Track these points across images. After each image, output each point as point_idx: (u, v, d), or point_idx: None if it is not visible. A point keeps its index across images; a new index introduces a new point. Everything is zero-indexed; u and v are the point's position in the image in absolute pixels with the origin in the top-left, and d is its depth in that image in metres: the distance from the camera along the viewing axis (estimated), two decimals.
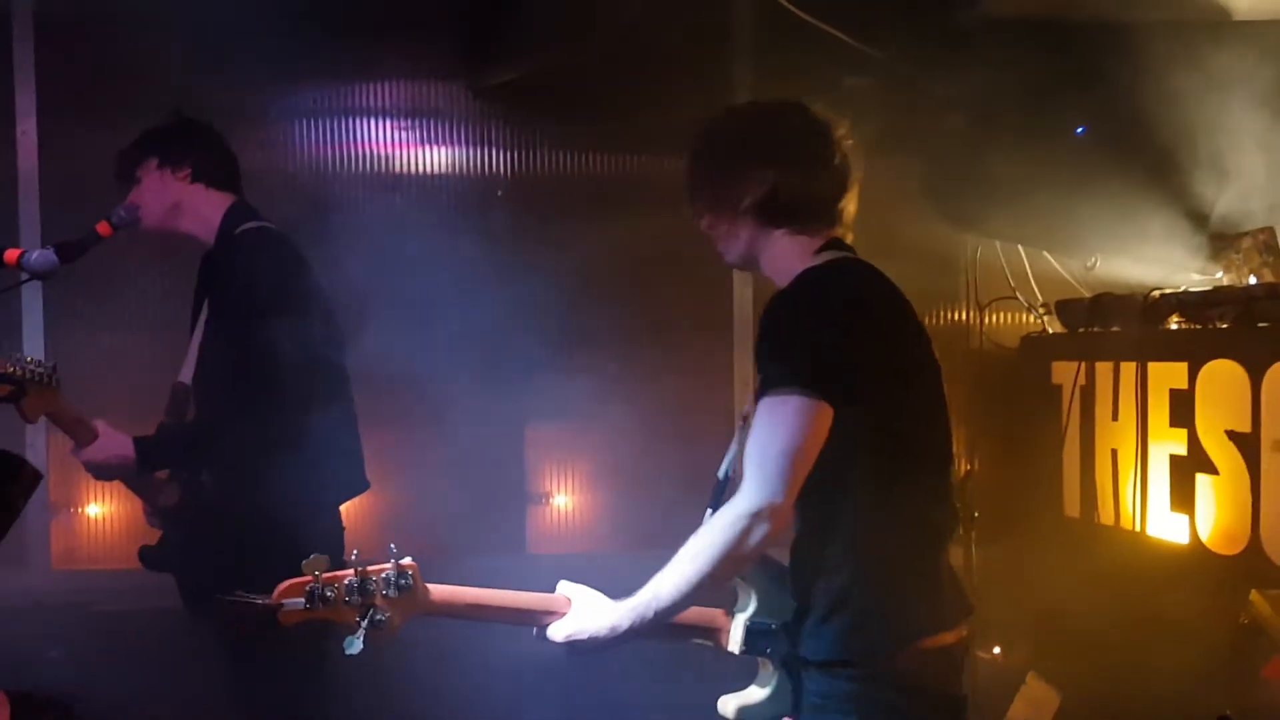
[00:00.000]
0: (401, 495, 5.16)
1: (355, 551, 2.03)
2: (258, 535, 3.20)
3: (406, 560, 2.01)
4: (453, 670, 4.26)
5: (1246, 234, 4.32)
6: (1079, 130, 4.78)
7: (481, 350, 5.15)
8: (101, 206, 3.32)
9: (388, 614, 1.96)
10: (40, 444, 4.90)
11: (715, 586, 2.01)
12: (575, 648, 2.06)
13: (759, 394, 2.01)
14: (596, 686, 3.92)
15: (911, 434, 2.08)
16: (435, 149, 5.36)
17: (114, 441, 3.12)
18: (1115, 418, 4.62)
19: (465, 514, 5.23)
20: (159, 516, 3.38)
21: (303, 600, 1.94)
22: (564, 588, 2.12)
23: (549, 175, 5.42)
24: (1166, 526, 4.33)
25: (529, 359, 5.22)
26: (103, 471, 3.17)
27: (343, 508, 3.50)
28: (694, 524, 5.77)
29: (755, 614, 2.11)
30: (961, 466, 5.47)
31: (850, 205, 2.29)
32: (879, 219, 5.06)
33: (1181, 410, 4.24)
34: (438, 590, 2.05)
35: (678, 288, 5.41)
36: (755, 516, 1.92)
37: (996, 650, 4.54)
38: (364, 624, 1.95)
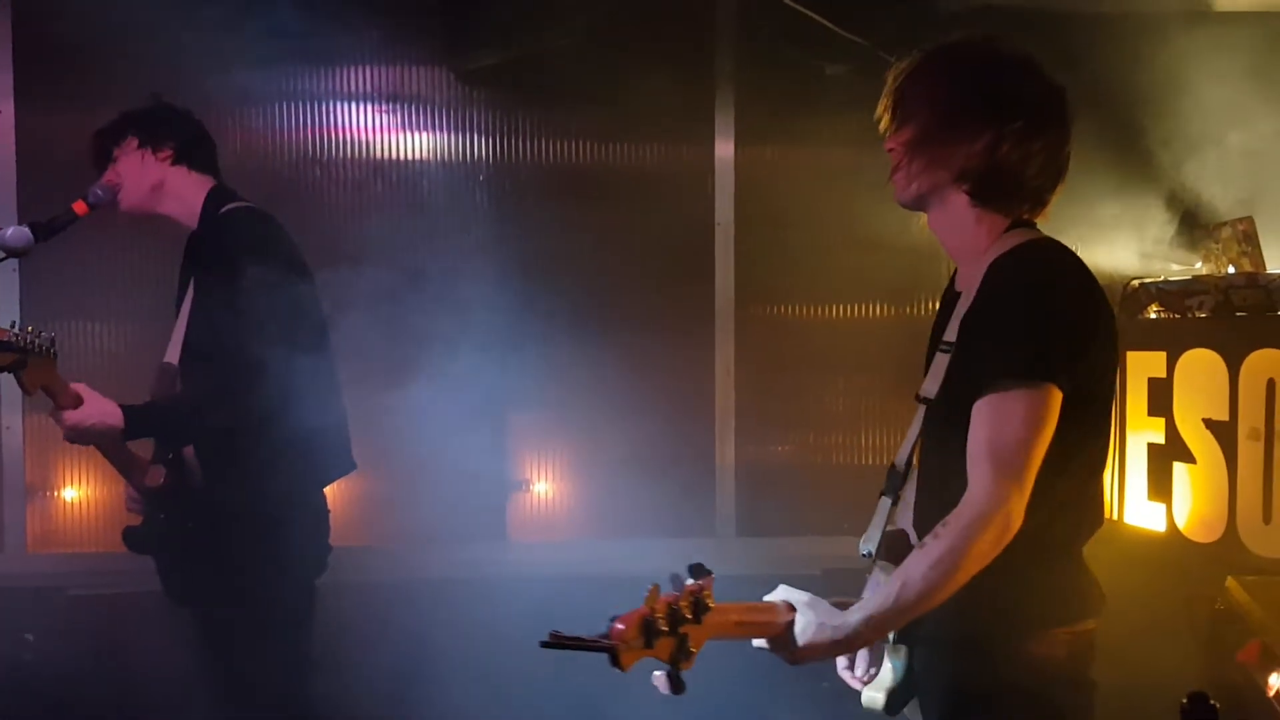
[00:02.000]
0: (383, 480, 5.14)
1: (672, 574, 1.74)
2: (242, 517, 3.19)
3: (705, 579, 1.75)
4: (431, 656, 4.27)
5: (1225, 224, 4.35)
6: None
7: (463, 336, 5.14)
8: (78, 187, 3.30)
9: (693, 644, 1.69)
10: (17, 426, 4.87)
11: (952, 592, 1.88)
12: (809, 656, 1.90)
13: (991, 379, 1.91)
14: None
15: (1101, 420, 2.04)
16: (417, 134, 5.34)
17: (100, 406, 3.09)
18: None
19: (447, 500, 5.22)
20: (142, 498, 3.36)
21: (640, 639, 1.64)
22: (785, 593, 1.97)
23: (531, 161, 5.40)
24: (1144, 514, 4.36)
25: (511, 345, 5.21)
26: (84, 436, 3.12)
27: (328, 489, 3.49)
28: (676, 509, 5.77)
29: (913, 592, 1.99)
30: None
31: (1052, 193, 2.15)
32: (866, 209, 5.14)
33: (1160, 399, 4.27)
34: (720, 609, 1.77)
35: (660, 274, 5.40)
36: (1004, 515, 1.84)
37: None
38: (679, 656, 1.68)
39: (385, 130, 5.30)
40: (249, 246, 3.27)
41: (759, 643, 1.92)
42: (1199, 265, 4.55)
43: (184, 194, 3.40)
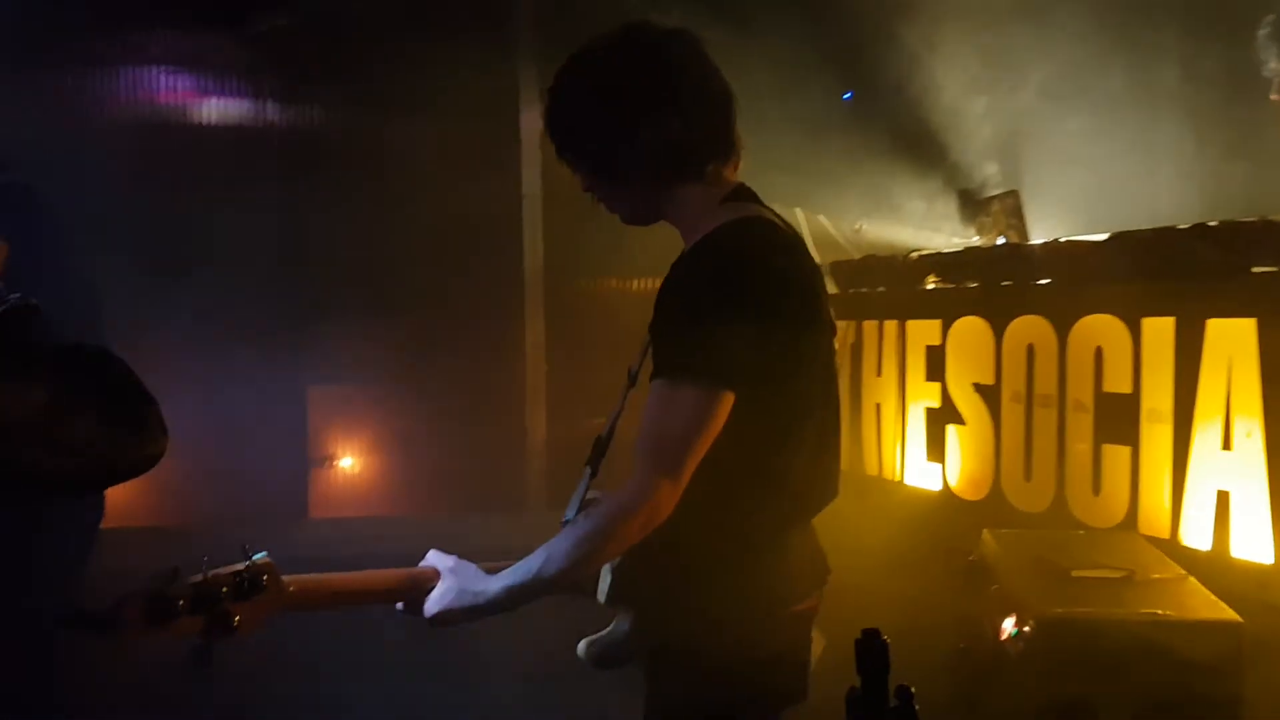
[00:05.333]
0: (178, 461, 5.01)
1: (206, 557, 1.80)
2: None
3: (261, 558, 1.82)
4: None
5: (995, 197, 4.56)
6: (846, 96, 4.96)
7: (260, 312, 5.04)
8: None
9: (237, 619, 1.77)
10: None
11: (595, 569, 1.92)
12: (445, 621, 1.94)
13: (657, 371, 1.87)
14: None
15: (803, 411, 1.96)
16: (205, 100, 5.21)
17: None
18: (879, 373, 4.83)
19: (244, 478, 5.13)
20: None
21: (143, 618, 1.72)
22: (434, 558, 1.99)
23: (325, 130, 5.33)
24: (922, 475, 4.57)
25: (309, 320, 5.13)
26: None
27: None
28: (485, 485, 5.77)
29: (621, 564, 2.05)
30: None
31: (739, 138, 2.03)
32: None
33: (935, 365, 4.47)
34: (297, 583, 1.86)
35: (467, 247, 5.40)
36: (652, 506, 1.83)
37: None
38: (215, 632, 1.75)
39: (172, 95, 5.16)
40: (18, 224, 3.15)
41: (428, 609, 1.94)
42: (974, 237, 4.77)
43: None
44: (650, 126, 1.90)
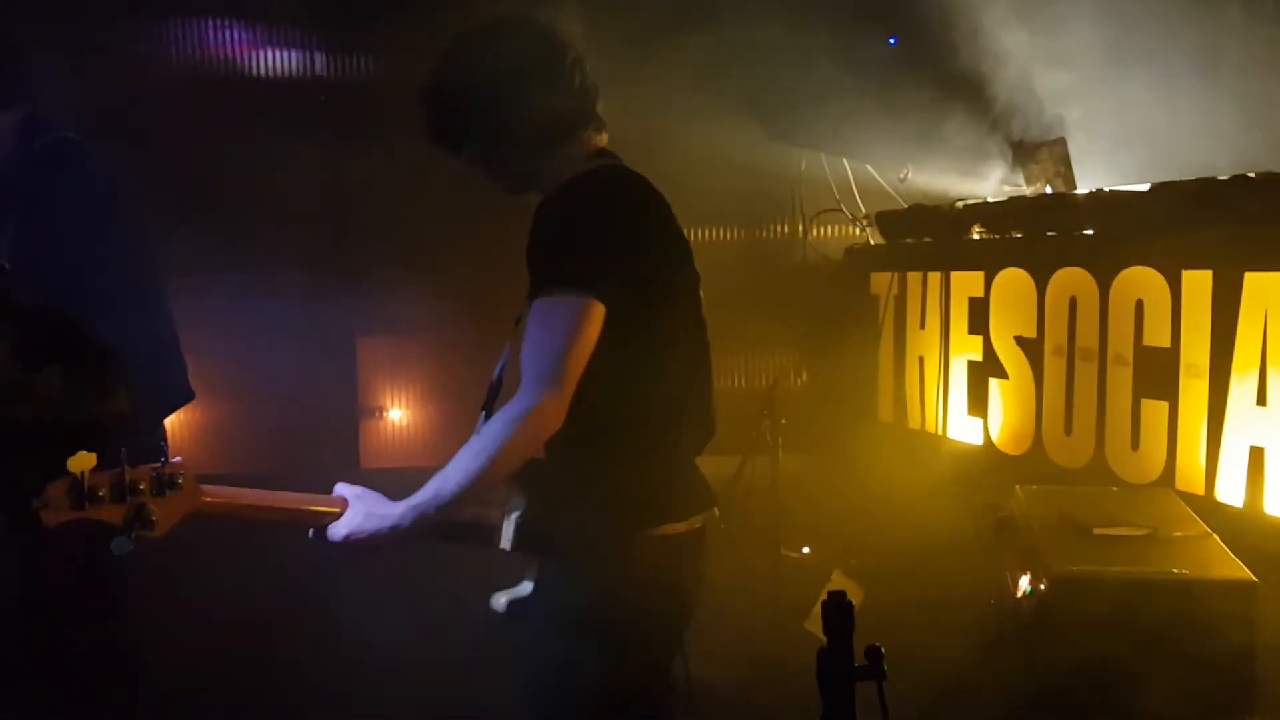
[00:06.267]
0: (230, 409, 5.13)
1: (124, 449, 1.97)
2: (74, 451, 3.15)
3: (177, 459, 1.98)
4: None
5: (1043, 145, 4.46)
6: (891, 41, 4.86)
7: (311, 262, 5.09)
8: None
9: (156, 515, 1.93)
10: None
11: (495, 482, 2.03)
12: (354, 547, 2.07)
13: (532, 294, 2.03)
14: None
15: (668, 336, 2.11)
16: (258, 52, 5.25)
17: None
18: (923, 326, 4.77)
19: (297, 429, 5.21)
20: None
21: (67, 500, 1.90)
22: (341, 489, 2.12)
23: (374, 81, 5.34)
24: (964, 429, 4.51)
25: (360, 271, 5.18)
26: None
27: (167, 421, 3.48)
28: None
29: (525, 511, 2.15)
30: (785, 377, 5.62)
31: (602, 108, 2.28)
32: (712, 130, 5.18)
33: (978, 318, 4.40)
34: (212, 491, 2.01)
35: (512, 201, 5.38)
36: (536, 414, 1.95)
37: (805, 550, 4.71)
38: (135, 524, 1.90)
39: (222, 48, 5.20)
40: (71, 182, 3.20)
41: (332, 533, 2.07)
42: (1021, 185, 4.67)
43: None
44: (540, 98, 2.15)
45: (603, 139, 2.25)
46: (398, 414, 5.68)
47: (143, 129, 4.92)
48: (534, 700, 2.13)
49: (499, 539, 2.14)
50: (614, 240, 2.03)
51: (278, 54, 5.28)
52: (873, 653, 1.53)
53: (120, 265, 3.13)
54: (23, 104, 3.35)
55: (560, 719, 2.11)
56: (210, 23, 5.24)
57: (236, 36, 5.27)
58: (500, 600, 2.19)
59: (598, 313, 1.98)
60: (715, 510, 2.22)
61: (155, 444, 3.46)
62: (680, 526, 2.12)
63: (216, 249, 4.58)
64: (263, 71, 5.28)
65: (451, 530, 2.11)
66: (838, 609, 1.55)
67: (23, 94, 3.37)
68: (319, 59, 5.30)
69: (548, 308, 1.98)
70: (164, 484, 1.94)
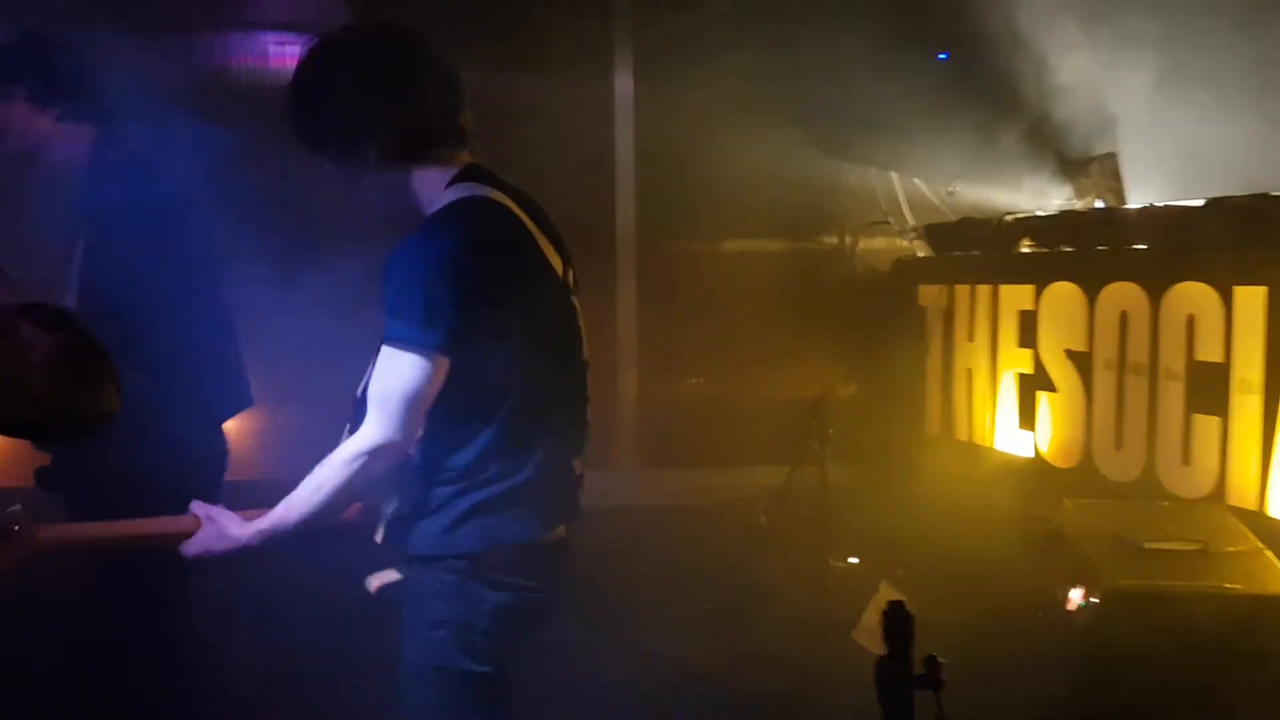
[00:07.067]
0: (287, 415, 5.20)
1: None
2: (141, 456, 3.23)
3: (15, 508, 2.06)
4: None
5: (1094, 159, 4.47)
6: (941, 56, 4.89)
7: (369, 275, 5.15)
8: None
9: None
10: None
11: (337, 514, 2.13)
12: (204, 561, 2.18)
13: (385, 338, 2.07)
14: None
15: (530, 368, 2.15)
16: None
17: None
18: (972, 338, 4.78)
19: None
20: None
21: None
22: (195, 507, 2.22)
23: None
24: (1013, 441, 4.52)
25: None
26: None
27: (226, 425, 3.55)
28: (601, 444, 5.83)
29: (396, 510, 2.24)
30: (832, 387, 5.64)
31: (469, 122, 2.24)
32: (767, 144, 5.23)
33: (1028, 331, 4.41)
34: (52, 531, 2.11)
35: (560, 211, 5.42)
36: (373, 455, 2.05)
37: (853, 560, 4.73)
38: None
39: (281, 58, 5.30)
40: (140, 189, 3.29)
41: (184, 552, 2.16)
42: (1071, 200, 4.67)
43: (71, 143, 3.40)
44: (390, 115, 2.08)
45: (463, 157, 2.22)
46: None
47: (204, 140, 5.01)
48: (401, 685, 2.23)
49: (375, 534, 2.22)
50: (462, 292, 2.06)
51: None
52: (931, 662, 1.57)
53: (184, 274, 3.21)
54: (97, 117, 3.45)
55: (416, 703, 2.21)
56: (270, 36, 5.34)
57: (294, 47, 5.36)
58: (373, 582, 2.27)
59: (442, 366, 2.05)
60: (575, 521, 2.27)
61: (218, 450, 3.53)
62: (542, 540, 2.20)
63: (278, 258, 4.66)
64: None
65: (325, 529, 2.20)
66: (897, 619, 1.59)
67: (97, 107, 3.47)
68: None
69: (394, 356, 2.04)
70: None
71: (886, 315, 5.45)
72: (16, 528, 2.04)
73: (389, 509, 2.23)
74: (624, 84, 5.50)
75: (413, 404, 2.04)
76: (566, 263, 2.30)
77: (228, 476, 3.66)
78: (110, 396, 1.51)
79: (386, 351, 2.06)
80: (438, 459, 2.16)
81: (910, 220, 5.45)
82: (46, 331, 1.47)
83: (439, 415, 2.11)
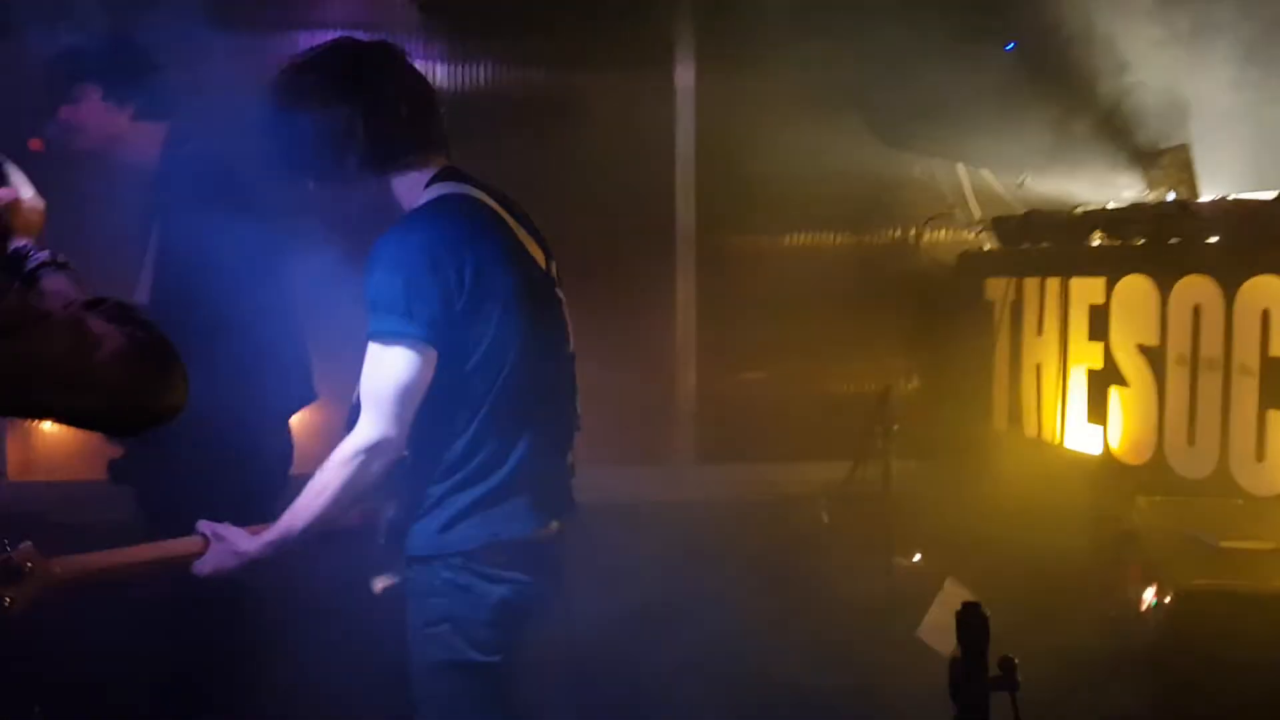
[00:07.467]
0: (345, 408, 5.24)
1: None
2: (209, 449, 3.27)
3: (24, 546, 2.09)
4: None
5: (1166, 151, 4.37)
6: (1008, 46, 4.81)
7: None
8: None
9: (8, 600, 2.04)
10: None
11: (343, 513, 2.19)
12: (219, 579, 2.24)
13: (369, 334, 2.15)
14: None
15: (515, 358, 2.20)
16: None
17: None
18: (1040, 333, 4.71)
19: None
20: None
21: None
22: (202, 526, 2.27)
23: (487, 90, 5.43)
24: (1082, 438, 4.44)
25: None
26: None
27: (291, 420, 3.57)
28: (635, 437, 5.83)
29: (395, 509, 2.26)
30: (897, 383, 5.58)
31: (441, 125, 2.34)
32: (827, 137, 5.18)
33: (1099, 325, 4.33)
34: (62, 564, 2.13)
35: (620, 204, 5.43)
36: (370, 452, 2.10)
37: (917, 557, 4.67)
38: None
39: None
40: (209, 185, 3.33)
41: (196, 572, 2.23)
42: (1142, 191, 4.58)
43: (144, 142, 3.46)
44: (366, 128, 2.19)
45: (440, 160, 2.30)
46: None
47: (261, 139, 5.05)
48: (412, 684, 2.29)
49: (377, 536, 2.30)
50: (443, 282, 2.10)
51: None
52: (1006, 664, 1.54)
53: (252, 270, 3.25)
54: (171, 114, 3.49)
55: (429, 701, 2.28)
56: (331, 33, 5.36)
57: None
58: (377, 585, 2.34)
59: (430, 358, 2.10)
60: (568, 514, 2.34)
61: (284, 445, 3.56)
62: (535, 535, 2.25)
63: (343, 254, 4.70)
64: None
65: (335, 532, 2.27)
66: (972, 620, 1.56)
67: (171, 105, 3.51)
68: (438, 70, 5.40)
69: (381, 351, 2.11)
70: (11, 573, 2.06)
71: (952, 309, 5.37)
72: (29, 565, 2.07)
73: (388, 510, 2.26)
74: (685, 76, 5.47)
75: (404, 397, 2.11)
76: (548, 256, 2.35)
77: (292, 471, 3.71)
78: (177, 388, 1.54)
79: (373, 348, 2.13)
80: (428, 456, 2.20)
81: (977, 213, 5.37)
82: (115, 325, 1.50)
83: (427, 412, 2.13)
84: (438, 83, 5.37)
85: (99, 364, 1.45)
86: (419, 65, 5.21)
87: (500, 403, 2.21)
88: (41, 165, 3.29)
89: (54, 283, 1.68)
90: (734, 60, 5.42)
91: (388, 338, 2.11)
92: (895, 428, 4.36)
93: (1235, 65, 3.94)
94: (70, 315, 1.50)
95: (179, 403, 1.55)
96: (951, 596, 4.39)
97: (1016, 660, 1.55)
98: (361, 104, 2.21)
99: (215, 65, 5.09)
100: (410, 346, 2.10)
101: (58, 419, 1.56)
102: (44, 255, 1.74)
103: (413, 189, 2.25)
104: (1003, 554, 4.39)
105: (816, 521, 4.76)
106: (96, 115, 3.41)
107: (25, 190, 1.86)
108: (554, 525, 2.29)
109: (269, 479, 3.46)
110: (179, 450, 3.32)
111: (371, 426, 2.11)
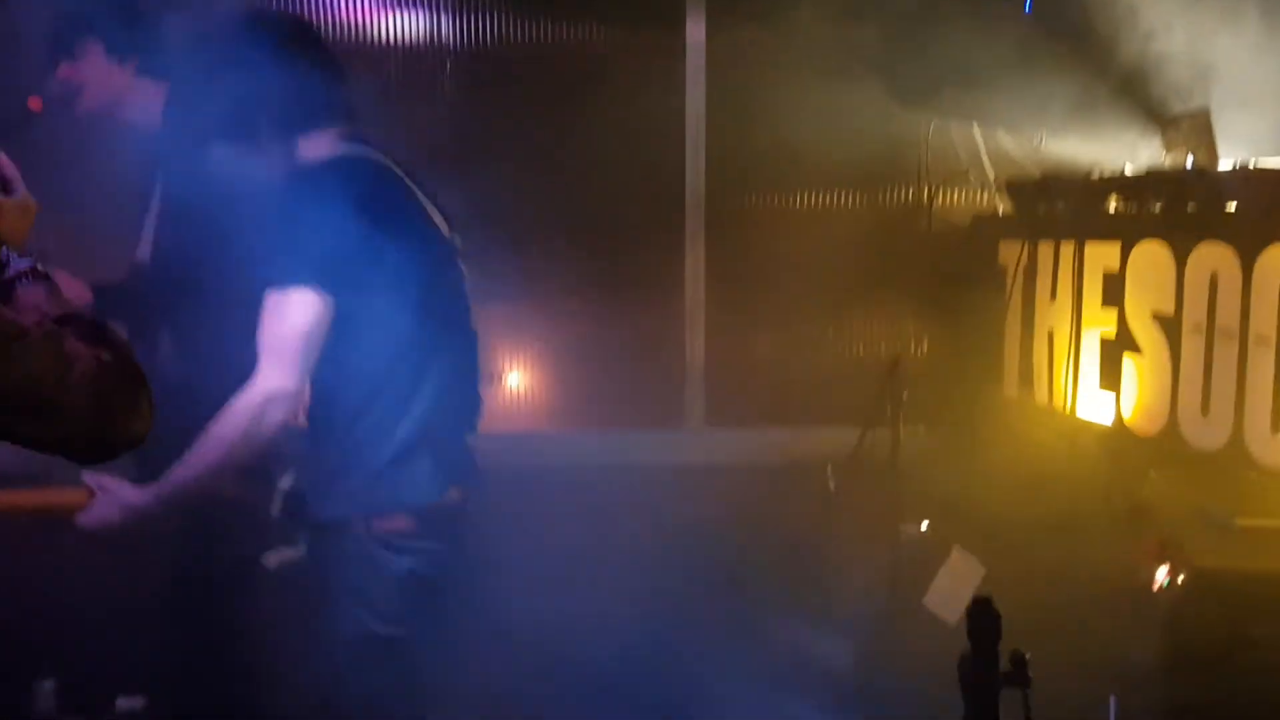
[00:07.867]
0: None
1: None
2: (210, 413, 3.23)
3: None
4: None
5: (1186, 115, 4.29)
6: (1026, 7, 4.72)
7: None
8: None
9: None
10: None
11: (238, 463, 2.17)
12: (103, 528, 2.21)
13: (267, 280, 2.14)
14: None
15: (417, 320, 2.18)
16: (380, 15, 5.29)
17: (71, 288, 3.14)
18: (1053, 298, 4.64)
19: None
20: None
21: None
22: (86, 478, 2.23)
23: (496, 44, 5.35)
24: (1094, 406, 4.39)
25: (477, 238, 5.20)
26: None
27: None
28: (645, 401, 5.80)
29: (294, 482, 2.24)
30: (904, 350, 5.54)
31: (349, 95, 2.39)
32: (841, 96, 5.09)
33: (1113, 291, 4.26)
34: None
35: (629, 167, 5.37)
36: (269, 401, 2.08)
37: (925, 525, 4.63)
38: None
39: (349, 12, 5.25)
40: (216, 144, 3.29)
41: (81, 523, 2.21)
42: (1161, 155, 4.50)
43: (147, 101, 3.41)
44: (278, 94, 2.22)
45: (348, 128, 2.33)
46: (513, 379, 5.72)
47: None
48: (315, 655, 2.29)
49: (271, 507, 2.28)
50: (342, 235, 2.09)
51: (402, 18, 5.31)
52: (1018, 659, 1.50)
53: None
54: (173, 70, 3.41)
55: (333, 671, 2.25)
56: None
57: (363, 3, 5.31)
58: (271, 560, 2.32)
59: (326, 305, 2.09)
60: (471, 482, 2.32)
61: None
62: (436, 500, 2.24)
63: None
64: (387, 38, 5.32)
65: (217, 501, 2.25)
66: (983, 616, 1.52)
67: (173, 61, 3.43)
68: (444, 22, 5.32)
69: (278, 299, 2.09)
70: None
71: (964, 273, 5.30)
72: None
73: (284, 481, 2.24)
74: (695, 33, 5.38)
75: (301, 346, 2.11)
76: (450, 226, 2.36)
77: None
78: (143, 416, 1.47)
79: (271, 295, 2.11)
80: (325, 424, 2.19)
81: (991, 174, 5.29)
82: (87, 346, 1.42)
83: (323, 377, 2.12)
84: (444, 39, 5.31)
85: (69, 388, 1.37)
86: (424, 20, 5.29)
87: (398, 365, 2.20)
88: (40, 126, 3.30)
89: (31, 295, 1.55)
90: (746, 16, 5.32)
91: (284, 286, 2.10)
92: (905, 394, 4.31)
93: (1258, 28, 3.85)
94: (46, 333, 1.40)
95: (143, 431, 1.48)
96: (958, 565, 4.36)
97: (1028, 655, 1.51)
98: (276, 71, 2.25)
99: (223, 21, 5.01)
100: (307, 294, 2.09)
101: (15, 442, 1.45)
102: (24, 264, 1.60)
103: (317, 149, 2.27)
104: (1012, 522, 4.35)
105: (823, 487, 4.72)
106: (99, 71, 3.35)
107: (16, 191, 1.74)
108: (455, 493, 2.27)
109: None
110: (178, 414, 3.31)
111: (269, 375, 2.09)
